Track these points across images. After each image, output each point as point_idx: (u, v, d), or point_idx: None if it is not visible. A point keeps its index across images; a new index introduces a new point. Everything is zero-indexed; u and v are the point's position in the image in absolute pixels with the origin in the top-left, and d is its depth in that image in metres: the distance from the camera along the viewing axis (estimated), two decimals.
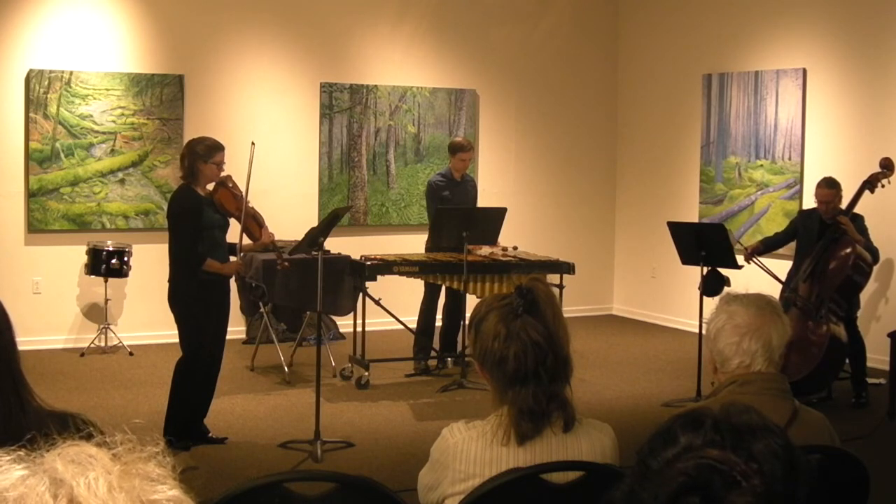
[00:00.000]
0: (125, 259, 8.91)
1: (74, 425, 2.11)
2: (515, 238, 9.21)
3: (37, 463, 1.05)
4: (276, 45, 10.01)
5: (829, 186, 7.63)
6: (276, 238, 6.98)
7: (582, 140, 11.46)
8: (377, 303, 8.09)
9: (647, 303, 11.23)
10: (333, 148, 10.27)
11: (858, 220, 7.72)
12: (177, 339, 6.44)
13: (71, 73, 9.21)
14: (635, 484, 1.19)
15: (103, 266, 8.86)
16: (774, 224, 9.73)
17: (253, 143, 6.63)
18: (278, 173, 9.90)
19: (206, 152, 6.24)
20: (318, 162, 10.20)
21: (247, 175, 6.40)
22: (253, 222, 6.54)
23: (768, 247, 7.99)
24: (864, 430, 6.70)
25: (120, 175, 9.44)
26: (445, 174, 8.72)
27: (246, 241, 6.58)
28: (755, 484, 1.13)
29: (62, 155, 9.22)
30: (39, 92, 9.13)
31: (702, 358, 7.45)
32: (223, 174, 6.36)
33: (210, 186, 6.36)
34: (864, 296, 7.91)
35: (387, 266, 8.08)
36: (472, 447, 2.56)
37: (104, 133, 9.36)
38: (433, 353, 8.64)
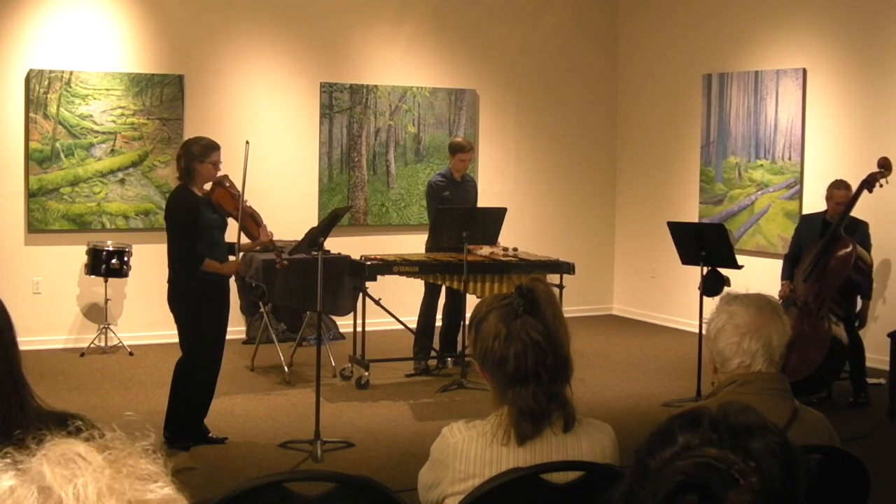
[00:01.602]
0: (125, 259, 8.91)
1: (74, 426, 2.10)
2: (515, 238, 9.21)
3: (25, 470, 1.01)
4: (276, 45, 10.01)
5: (846, 188, 7.62)
6: (276, 238, 6.99)
7: (582, 140, 11.46)
8: (377, 303, 8.09)
9: (647, 303, 11.23)
10: (333, 148, 10.27)
11: (861, 227, 7.71)
12: (177, 339, 6.45)
13: (71, 73, 9.21)
14: (634, 483, 1.19)
15: (103, 266, 8.86)
16: (774, 224, 9.74)
17: (247, 142, 6.65)
18: (278, 173, 9.90)
19: (201, 152, 6.24)
20: (318, 162, 10.20)
21: (242, 174, 6.41)
22: (251, 221, 6.54)
23: (793, 273, 7.87)
24: (864, 430, 6.69)
25: (120, 175, 9.44)
26: (445, 174, 8.72)
27: (244, 240, 6.59)
28: (753, 482, 1.13)
29: (62, 155, 9.22)
30: (39, 92, 9.13)
31: (702, 358, 7.45)
32: (220, 174, 6.37)
33: (207, 186, 6.36)
34: None
35: (387, 266, 8.08)
36: (472, 447, 2.56)
37: (104, 133, 9.36)
38: (433, 353, 8.64)
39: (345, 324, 9.32)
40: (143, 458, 1.06)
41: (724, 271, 7.56)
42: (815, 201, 8.85)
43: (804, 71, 9.45)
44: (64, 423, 2.09)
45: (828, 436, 2.81)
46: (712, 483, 1.13)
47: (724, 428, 1.18)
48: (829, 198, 7.72)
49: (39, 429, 1.19)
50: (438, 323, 8.71)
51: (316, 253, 6.40)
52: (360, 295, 8.08)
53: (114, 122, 9.39)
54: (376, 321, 8.88)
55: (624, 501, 1.21)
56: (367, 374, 8.03)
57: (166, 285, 6.37)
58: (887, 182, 7.71)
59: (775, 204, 9.76)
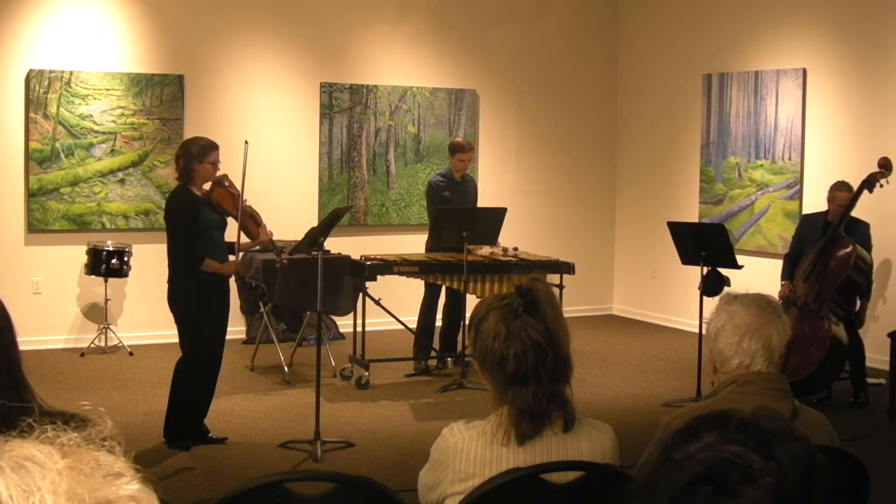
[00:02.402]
0: (125, 259, 8.91)
1: (25, 424, 2.08)
2: (515, 238, 9.21)
3: None
4: (276, 45, 10.01)
5: (848, 189, 7.62)
6: (276, 238, 6.99)
7: (582, 140, 11.46)
8: (377, 303, 8.09)
9: (647, 303, 11.23)
10: (333, 148, 10.27)
11: (861, 227, 7.71)
12: (177, 339, 6.45)
13: (71, 73, 9.21)
14: (654, 473, 1.20)
15: (103, 266, 8.86)
16: (774, 224, 9.74)
17: (246, 142, 6.65)
18: (278, 173, 9.90)
19: (200, 152, 6.24)
20: (318, 162, 10.20)
21: (242, 174, 6.41)
22: (250, 221, 6.54)
23: (793, 273, 7.86)
24: (864, 430, 6.70)
25: (120, 175, 9.44)
26: (445, 174, 8.72)
27: (244, 239, 6.59)
28: (770, 482, 1.14)
29: (62, 155, 9.22)
30: (39, 92, 9.13)
31: (702, 358, 7.45)
32: (219, 173, 6.37)
33: (206, 186, 6.36)
34: None
35: (387, 266, 8.08)
36: (472, 447, 2.56)
37: (104, 133, 9.36)
38: (433, 353, 8.64)
39: (345, 324, 9.32)
40: (104, 453, 1.01)
41: (724, 271, 7.56)
42: (815, 201, 8.85)
43: (804, 71, 9.45)
44: (56, 423, 2.09)
45: (828, 436, 2.80)
46: (730, 478, 1.14)
47: (751, 430, 1.19)
48: (830, 199, 7.72)
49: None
50: (438, 323, 8.71)
51: (316, 253, 6.40)
52: (360, 295, 8.08)
53: (114, 122, 9.39)
54: (376, 321, 8.88)
55: (643, 489, 1.22)
56: (367, 374, 8.03)
57: (166, 285, 6.37)
58: (888, 182, 7.71)
59: (775, 204, 9.76)
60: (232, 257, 6.48)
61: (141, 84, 9.47)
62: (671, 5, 10.94)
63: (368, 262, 8.06)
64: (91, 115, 9.31)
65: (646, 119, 11.27)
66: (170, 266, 6.34)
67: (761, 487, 1.13)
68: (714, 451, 1.17)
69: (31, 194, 9.16)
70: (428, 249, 8.52)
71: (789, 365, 6.81)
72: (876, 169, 7.73)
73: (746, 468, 1.14)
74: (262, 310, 8.78)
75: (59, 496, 0.95)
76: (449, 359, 8.65)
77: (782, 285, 7.86)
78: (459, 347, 8.54)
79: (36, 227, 9.20)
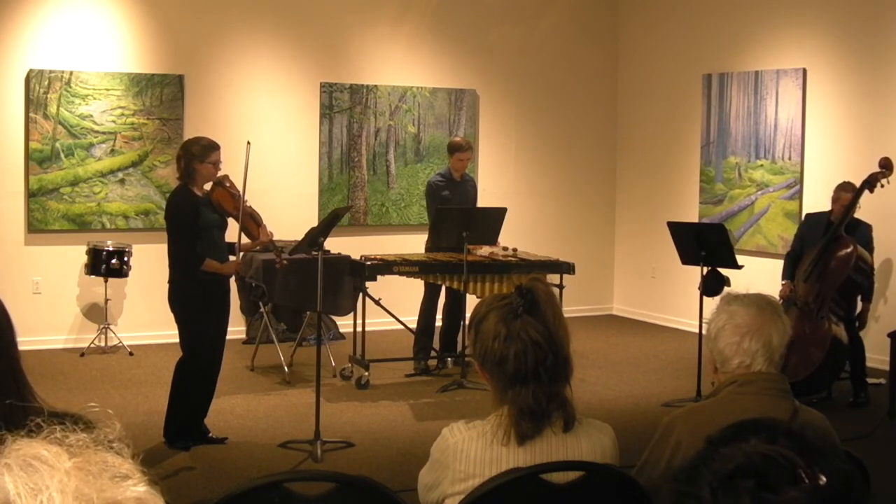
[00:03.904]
0: (125, 259, 8.91)
1: (34, 424, 2.08)
2: (515, 238, 9.21)
3: None
4: (276, 45, 10.01)
5: (853, 190, 7.61)
6: (276, 238, 6.99)
7: (582, 140, 11.46)
8: (377, 303, 8.09)
9: (647, 303, 11.23)
10: (333, 148, 10.27)
11: (862, 228, 7.71)
12: (177, 339, 6.45)
13: (71, 73, 9.21)
14: (700, 461, 1.22)
15: (103, 266, 8.86)
16: (774, 224, 9.74)
17: (249, 143, 6.64)
18: (278, 173, 9.90)
19: (201, 152, 6.24)
20: (318, 162, 10.20)
21: (243, 174, 6.41)
22: (251, 221, 6.54)
23: (794, 273, 7.85)
24: (864, 430, 6.69)
25: (120, 175, 9.44)
26: (445, 174, 8.72)
27: (244, 240, 6.59)
28: (811, 487, 1.15)
29: (62, 155, 9.22)
30: (39, 92, 9.13)
31: (702, 358, 7.45)
32: (220, 174, 6.37)
33: (207, 186, 6.36)
34: None
35: (387, 266, 8.08)
36: (472, 447, 2.56)
37: (104, 133, 9.37)
38: (433, 353, 8.64)
39: (345, 324, 9.32)
40: (112, 455, 1.01)
41: (724, 271, 7.56)
42: (815, 201, 8.86)
43: (804, 71, 9.45)
44: (64, 424, 2.09)
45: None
46: (773, 475, 1.16)
47: (797, 439, 1.21)
48: (835, 199, 7.71)
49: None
50: (438, 323, 8.71)
51: (316, 253, 6.40)
52: (360, 295, 8.08)
53: (114, 122, 9.39)
54: (376, 321, 8.88)
55: (685, 473, 1.23)
56: (367, 374, 8.03)
57: (166, 285, 6.37)
58: (888, 182, 7.71)
59: (775, 204, 9.76)
60: (232, 257, 6.48)
61: (141, 84, 9.47)
62: (671, 5, 10.94)
63: (368, 262, 8.06)
64: (91, 115, 9.31)
65: (646, 119, 11.27)
66: (170, 266, 6.34)
67: (802, 489, 1.15)
68: (762, 447, 1.19)
69: (31, 194, 9.16)
70: (428, 249, 8.52)
71: (789, 365, 6.82)
72: (876, 169, 7.72)
73: (790, 469, 1.16)
74: (262, 310, 8.78)
75: (67, 496, 0.95)
76: (449, 359, 8.65)
77: (783, 285, 7.86)
78: (459, 347, 8.55)
79: (36, 227, 9.20)
